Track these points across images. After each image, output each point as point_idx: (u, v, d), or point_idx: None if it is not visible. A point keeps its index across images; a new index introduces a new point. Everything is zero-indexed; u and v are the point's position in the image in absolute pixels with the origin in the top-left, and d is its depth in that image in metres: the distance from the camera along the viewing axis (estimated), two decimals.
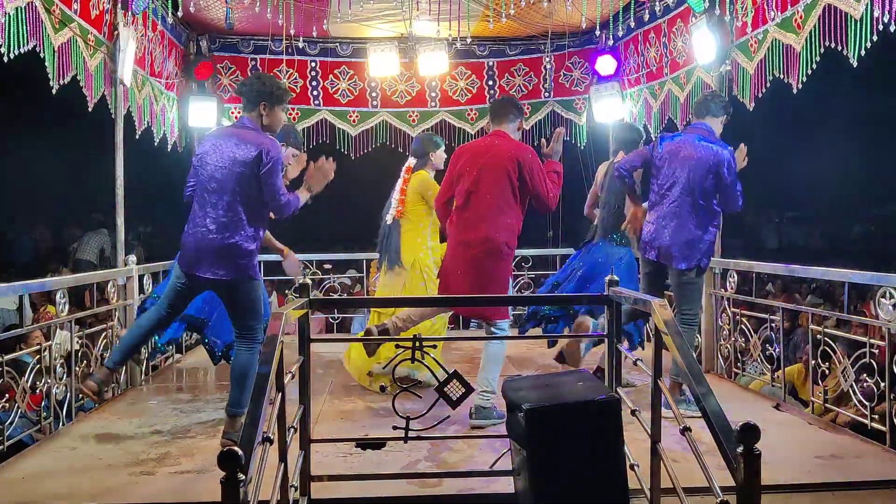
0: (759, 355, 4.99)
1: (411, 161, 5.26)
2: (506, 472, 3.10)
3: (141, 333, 3.94)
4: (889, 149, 14.52)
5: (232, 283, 3.72)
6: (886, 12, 3.75)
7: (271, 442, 2.31)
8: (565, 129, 7.75)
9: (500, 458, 3.20)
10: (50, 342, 4.19)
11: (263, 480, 2.11)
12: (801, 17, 4.56)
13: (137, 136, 5.91)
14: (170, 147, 6.71)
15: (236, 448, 1.74)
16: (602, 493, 2.58)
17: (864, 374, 4.01)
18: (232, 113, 7.34)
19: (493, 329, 4.27)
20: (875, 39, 3.91)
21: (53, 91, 4.42)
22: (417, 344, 2.95)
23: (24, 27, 3.97)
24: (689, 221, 4.30)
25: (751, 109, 5.24)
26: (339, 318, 7.86)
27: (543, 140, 4.52)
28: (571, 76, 7.76)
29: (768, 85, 5.05)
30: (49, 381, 4.14)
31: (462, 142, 7.73)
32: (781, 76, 4.80)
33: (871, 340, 4.02)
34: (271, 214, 3.92)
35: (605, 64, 7.21)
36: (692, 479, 2.51)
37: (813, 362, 4.40)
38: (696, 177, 4.28)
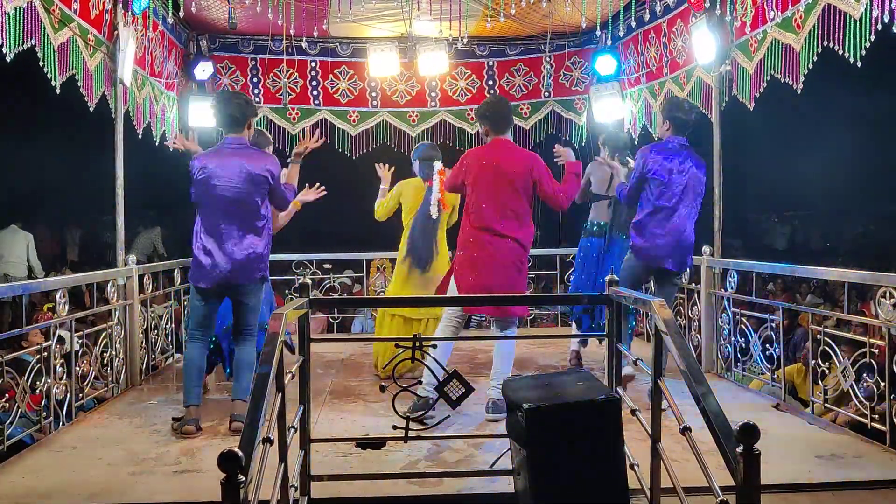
0: (759, 355, 4.99)
1: (439, 165, 5.27)
2: (506, 472, 3.11)
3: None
4: (889, 149, 14.50)
5: (251, 286, 4.12)
6: (886, 12, 3.75)
7: (271, 443, 2.32)
8: (565, 128, 7.78)
9: (499, 457, 3.20)
10: (50, 342, 4.19)
11: (263, 480, 2.11)
12: (800, 17, 4.55)
13: (140, 136, 5.91)
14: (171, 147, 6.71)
15: (236, 448, 1.74)
16: (602, 493, 2.59)
17: (865, 374, 4.01)
18: None
19: (504, 325, 4.35)
20: (874, 39, 3.91)
21: (58, 91, 4.44)
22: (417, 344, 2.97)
23: (23, 26, 3.96)
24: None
25: (751, 109, 5.24)
26: (339, 318, 7.87)
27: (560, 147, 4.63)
28: (571, 76, 7.76)
29: (765, 84, 5.05)
30: (49, 381, 4.14)
31: (462, 141, 7.76)
32: (781, 76, 4.80)
33: (871, 340, 4.02)
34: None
35: (605, 64, 7.22)
36: (692, 479, 2.51)
37: (813, 362, 4.40)
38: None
